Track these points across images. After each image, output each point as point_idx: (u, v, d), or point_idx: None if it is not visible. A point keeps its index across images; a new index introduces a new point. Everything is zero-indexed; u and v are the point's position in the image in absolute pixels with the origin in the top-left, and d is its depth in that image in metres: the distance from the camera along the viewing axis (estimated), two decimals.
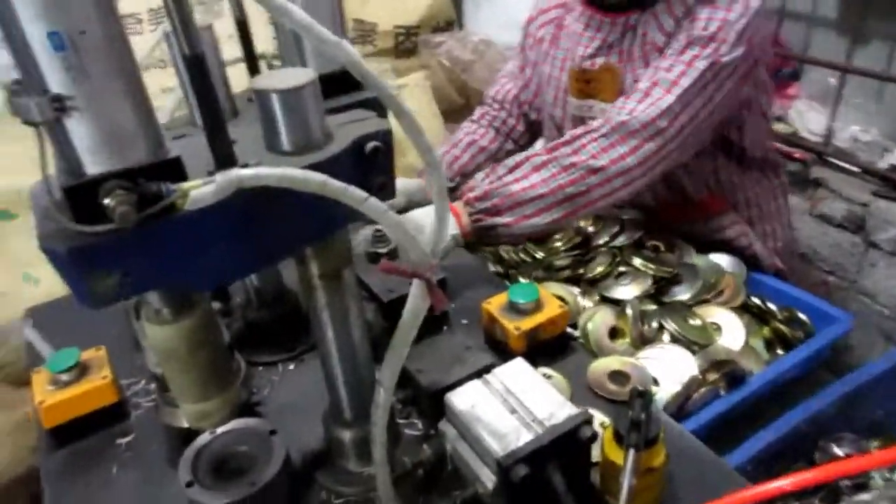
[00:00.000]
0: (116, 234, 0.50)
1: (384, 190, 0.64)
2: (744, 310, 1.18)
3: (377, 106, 0.72)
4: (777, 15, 1.90)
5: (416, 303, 0.64)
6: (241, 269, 0.60)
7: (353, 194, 0.55)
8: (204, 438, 0.77)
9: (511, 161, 1.12)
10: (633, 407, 0.70)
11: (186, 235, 0.54)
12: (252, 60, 0.86)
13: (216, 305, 1.07)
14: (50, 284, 1.70)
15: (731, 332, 1.09)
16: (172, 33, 0.52)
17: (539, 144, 1.61)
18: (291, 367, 0.99)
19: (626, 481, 0.66)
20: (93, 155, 0.51)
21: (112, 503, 0.81)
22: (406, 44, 2.97)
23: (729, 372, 0.99)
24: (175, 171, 0.54)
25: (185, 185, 0.52)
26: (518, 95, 1.49)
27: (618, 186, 1.09)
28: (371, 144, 0.62)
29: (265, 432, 0.78)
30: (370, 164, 0.63)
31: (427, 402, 0.83)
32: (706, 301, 1.16)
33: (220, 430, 0.78)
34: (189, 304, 0.63)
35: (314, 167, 0.56)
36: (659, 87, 1.09)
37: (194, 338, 0.63)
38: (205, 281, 0.58)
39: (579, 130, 1.11)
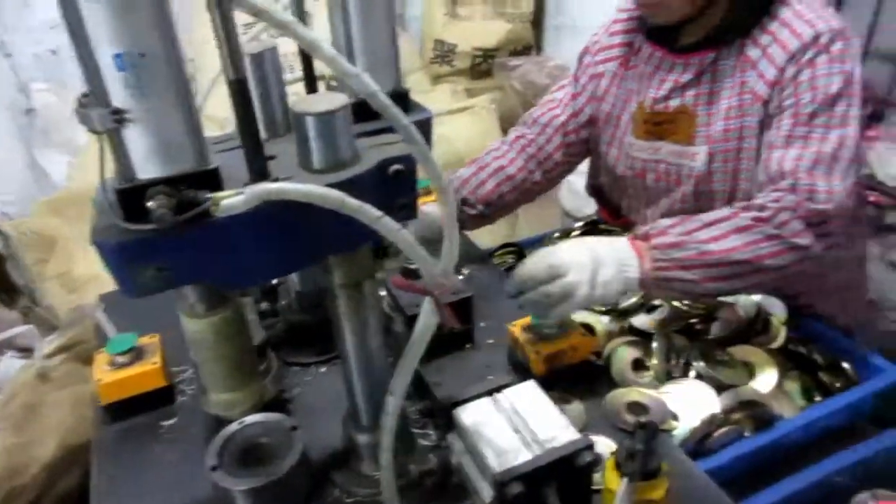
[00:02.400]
0: (156, 233, 0.57)
1: (405, 210, 0.69)
2: (783, 353, 1.15)
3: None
4: (861, 54, 1.84)
5: (427, 319, 0.68)
6: (268, 272, 0.66)
7: (367, 212, 0.60)
8: (232, 427, 0.84)
9: (707, 217, 1.05)
10: (635, 438, 0.72)
11: (219, 239, 0.60)
12: (311, 81, 0.93)
13: (264, 305, 1.15)
14: None
15: (764, 375, 1.07)
16: (220, 58, 0.58)
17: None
18: (323, 369, 1.05)
19: None
20: (144, 162, 0.58)
21: (150, 478, 0.88)
22: (483, 65, 3.04)
23: (755, 414, 0.97)
24: (213, 180, 0.60)
25: (219, 194, 0.58)
26: (566, 123, 1.42)
27: (803, 267, 1.05)
28: (394, 167, 0.66)
29: (287, 427, 0.84)
30: (393, 186, 0.67)
31: (441, 414, 0.87)
32: (742, 341, 1.14)
33: (247, 420, 0.84)
34: (221, 301, 0.70)
35: (339, 185, 0.61)
36: (822, 166, 1.04)
37: (223, 332, 0.69)
38: (234, 280, 0.64)
39: (770, 203, 1.03)
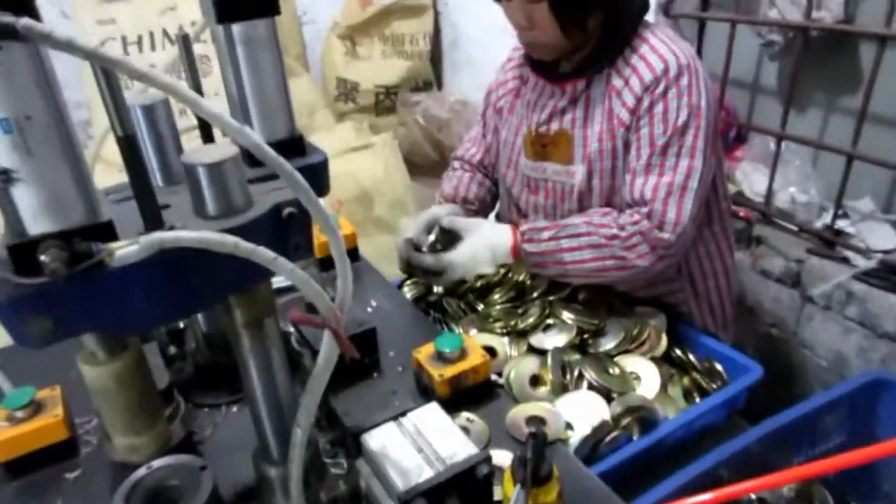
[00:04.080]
0: (50, 286, 0.59)
1: (300, 250, 0.73)
2: (666, 360, 1.25)
3: (309, 174, 0.81)
4: (722, 81, 2.03)
5: (328, 351, 0.72)
6: (166, 317, 0.68)
7: (262, 254, 0.63)
8: (140, 472, 0.84)
9: (575, 227, 1.28)
10: (526, 447, 0.78)
11: (114, 288, 0.62)
12: (206, 129, 0.96)
13: (172, 350, 1.15)
14: None
15: (649, 381, 1.17)
16: (108, 116, 0.61)
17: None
18: (235, 409, 1.06)
19: None
20: (34, 218, 0.60)
21: None
22: (386, 102, 3.13)
23: (641, 417, 1.06)
24: (107, 232, 0.62)
25: (113, 245, 0.60)
26: (482, 160, 1.63)
27: (638, 279, 1.30)
28: (287, 210, 0.71)
29: (196, 468, 0.85)
30: (287, 228, 0.71)
31: (351, 442, 0.90)
32: (629, 351, 1.23)
33: (155, 464, 0.85)
34: (121, 347, 0.71)
35: (233, 230, 0.64)
36: (674, 195, 1.23)
37: (124, 378, 0.71)
38: (132, 327, 0.66)
39: (629, 224, 1.24)
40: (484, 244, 1.30)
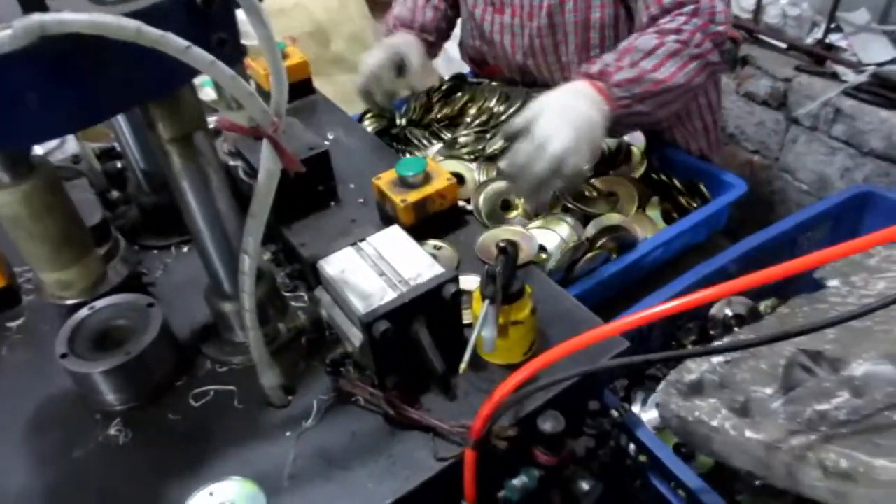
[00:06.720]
0: None
1: (224, 46, 0.62)
2: (644, 181, 1.19)
3: None
4: None
5: (268, 164, 0.63)
6: (64, 125, 0.57)
7: (171, 42, 0.52)
8: (82, 313, 0.78)
9: (641, 45, 1.06)
10: (495, 263, 0.72)
11: None
12: None
13: (115, 194, 1.05)
14: None
15: (627, 202, 1.11)
16: None
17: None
18: (185, 249, 0.99)
19: (476, 329, 0.68)
20: None
21: (2, 382, 0.82)
22: None
23: (619, 238, 1.01)
24: None
25: None
26: None
27: (704, 83, 1.12)
28: None
29: (143, 305, 0.79)
30: (207, 18, 0.60)
31: (309, 273, 0.84)
32: (606, 172, 1.16)
33: (98, 304, 0.78)
34: (27, 168, 0.62)
35: (135, 15, 0.53)
36: None
37: (36, 203, 0.62)
38: (25, 138, 0.56)
39: (683, 26, 1.06)
40: (556, 96, 1.01)
